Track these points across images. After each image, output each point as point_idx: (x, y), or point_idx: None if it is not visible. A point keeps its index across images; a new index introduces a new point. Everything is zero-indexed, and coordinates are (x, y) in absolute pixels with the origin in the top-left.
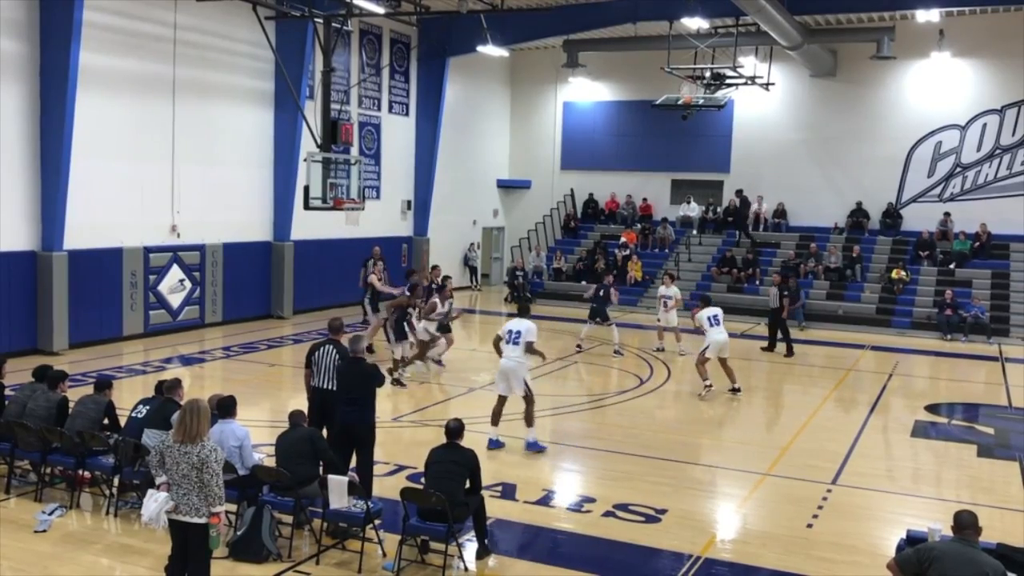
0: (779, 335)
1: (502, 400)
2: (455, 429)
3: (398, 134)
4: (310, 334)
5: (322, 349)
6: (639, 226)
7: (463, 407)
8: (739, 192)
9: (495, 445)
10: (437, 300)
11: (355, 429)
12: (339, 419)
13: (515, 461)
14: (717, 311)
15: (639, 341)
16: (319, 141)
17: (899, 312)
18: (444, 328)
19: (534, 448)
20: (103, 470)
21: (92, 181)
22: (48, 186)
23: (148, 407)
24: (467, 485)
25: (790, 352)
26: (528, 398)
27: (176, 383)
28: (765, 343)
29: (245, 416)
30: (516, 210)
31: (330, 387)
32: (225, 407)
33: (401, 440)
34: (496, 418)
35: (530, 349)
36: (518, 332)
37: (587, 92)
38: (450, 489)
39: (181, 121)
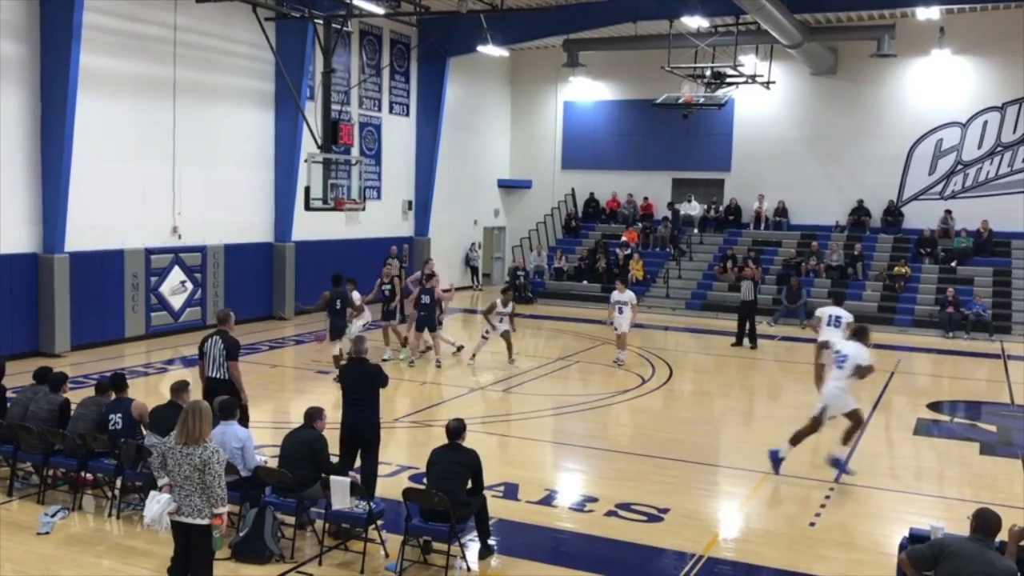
0: (747, 328)
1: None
2: (456, 429)
3: (398, 134)
4: (312, 335)
5: (210, 340)
6: (640, 225)
7: (464, 408)
8: (670, 204)
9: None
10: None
11: (359, 430)
12: (344, 419)
13: (517, 461)
14: (840, 312)
15: (641, 340)
16: (320, 142)
17: (901, 310)
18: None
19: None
20: (105, 472)
21: (93, 183)
22: (49, 188)
23: (120, 415)
24: (469, 485)
25: (754, 344)
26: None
27: (183, 386)
28: (734, 339)
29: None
30: (517, 210)
31: (217, 375)
32: (227, 408)
33: (403, 441)
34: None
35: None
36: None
37: (587, 91)
38: (451, 489)
39: (182, 122)
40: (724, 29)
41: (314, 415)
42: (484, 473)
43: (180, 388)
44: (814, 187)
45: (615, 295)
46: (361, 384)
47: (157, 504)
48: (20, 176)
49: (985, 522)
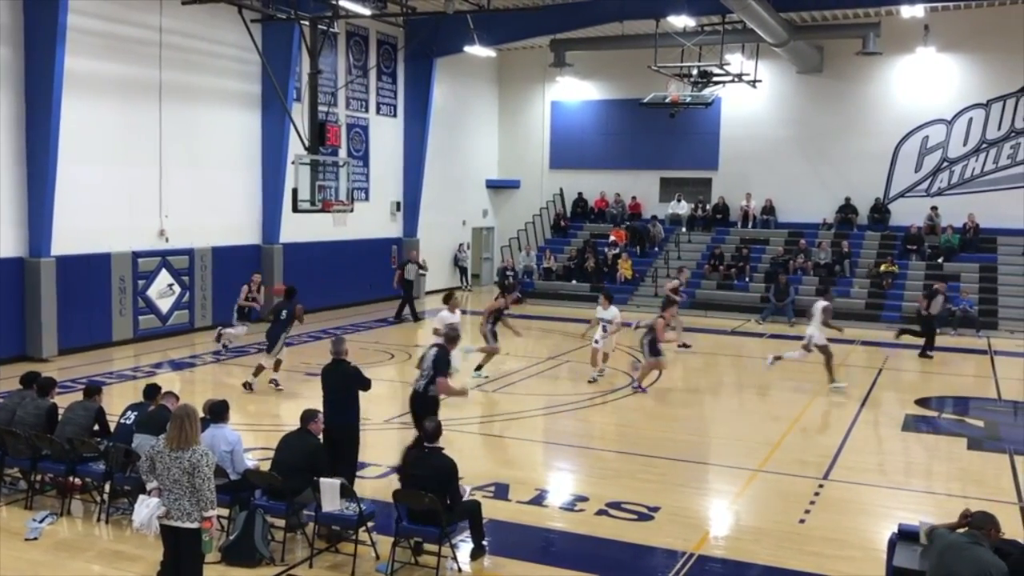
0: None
1: None
2: (431, 431)
3: (386, 135)
4: (301, 336)
5: (428, 351)
6: (628, 224)
7: (455, 409)
8: (632, 217)
9: None
10: None
11: (334, 431)
12: (323, 421)
13: (508, 461)
14: None
15: (630, 340)
16: (307, 143)
17: (888, 307)
18: None
19: None
20: (94, 476)
21: (79, 186)
22: (35, 191)
23: (136, 413)
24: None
25: (927, 352)
26: None
27: (168, 394)
28: (923, 350)
29: (237, 421)
30: (505, 210)
31: (420, 388)
32: (217, 411)
33: (393, 442)
34: None
35: None
36: None
37: (575, 91)
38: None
39: (168, 125)
40: (710, 28)
41: (308, 417)
42: (476, 472)
43: (168, 394)
44: (801, 185)
45: (598, 311)
46: (338, 385)
47: (146, 508)
48: (5, 180)
49: (978, 520)
